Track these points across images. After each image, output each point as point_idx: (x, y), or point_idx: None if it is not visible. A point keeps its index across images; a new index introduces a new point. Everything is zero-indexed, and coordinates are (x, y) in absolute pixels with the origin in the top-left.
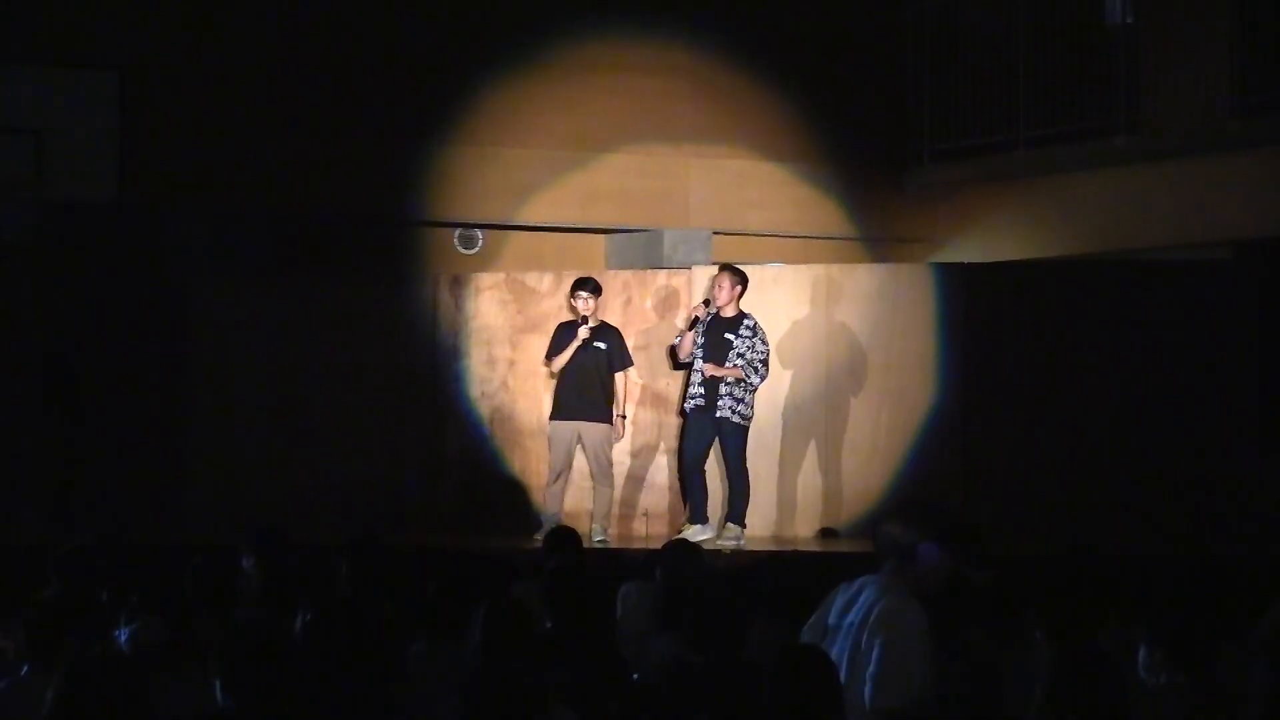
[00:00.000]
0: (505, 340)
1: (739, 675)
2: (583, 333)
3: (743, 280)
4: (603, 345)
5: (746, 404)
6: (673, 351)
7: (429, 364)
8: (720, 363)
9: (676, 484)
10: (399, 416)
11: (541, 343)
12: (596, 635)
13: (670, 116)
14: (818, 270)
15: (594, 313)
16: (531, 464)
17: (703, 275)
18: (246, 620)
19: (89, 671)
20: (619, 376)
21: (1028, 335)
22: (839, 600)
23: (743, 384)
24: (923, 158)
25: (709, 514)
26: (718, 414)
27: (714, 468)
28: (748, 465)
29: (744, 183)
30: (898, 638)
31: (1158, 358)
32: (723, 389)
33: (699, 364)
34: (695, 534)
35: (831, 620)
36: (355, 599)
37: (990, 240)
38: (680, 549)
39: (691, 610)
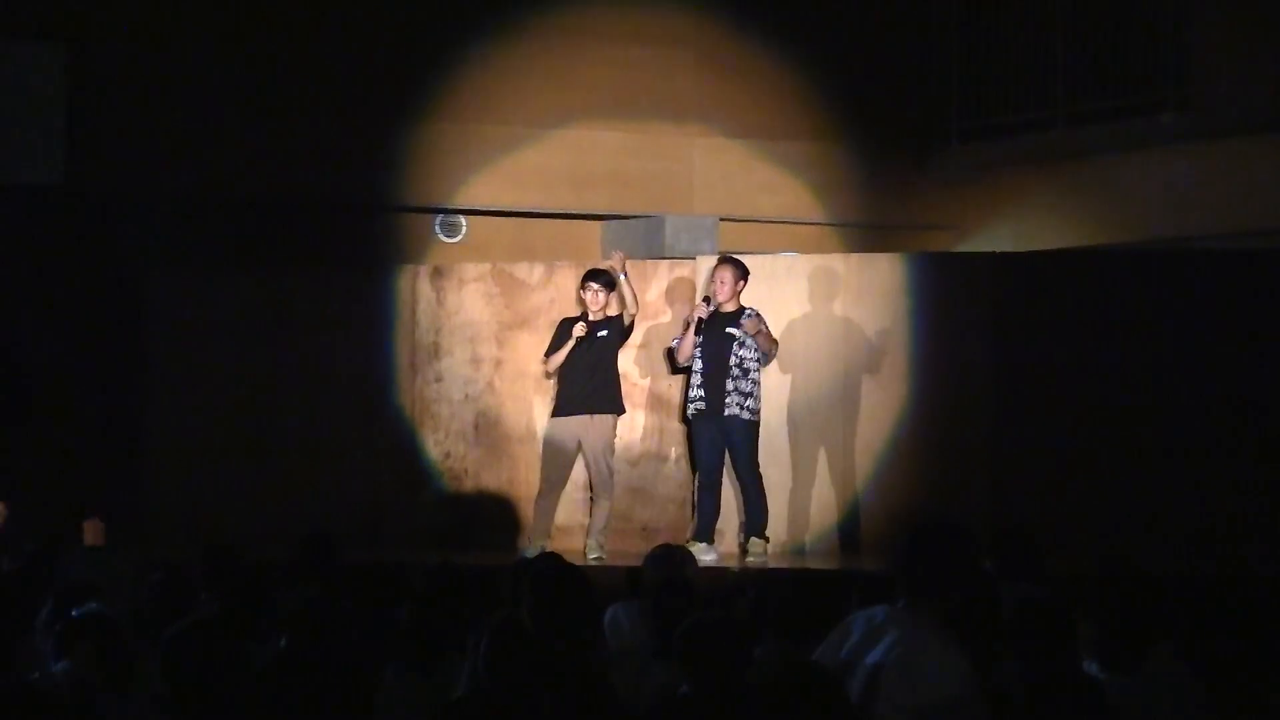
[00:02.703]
0: (491, 338)
1: (739, 705)
2: (578, 330)
3: (745, 274)
4: (605, 333)
5: (755, 398)
6: (670, 354)
7: (407, 364)
8: (723, 361)
9: (680, 496)
10: (374, 421)
11: (530, 340)
12: (585, 660)
13: (673, 91)
14: (834, 260)
15: (604, 309)
16: (520, 473)
17: (708, 266)
18: (192, 626)
19: (13, 708)
20: (625, 314)
21: (1065, 332)
22: (856, 632)
23: (749, 377)
24: (950, 137)
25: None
26: (726, 412)
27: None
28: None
29: (753, 165)
30: (931, 688)
31: (1209, 357)
32: (729, 385)
33: (698, 365)
34: (698, 553)
35: (845, 654)
36: (316, 614)
37: (1024, 227)
38: (666, 556)
39: (685, 633)
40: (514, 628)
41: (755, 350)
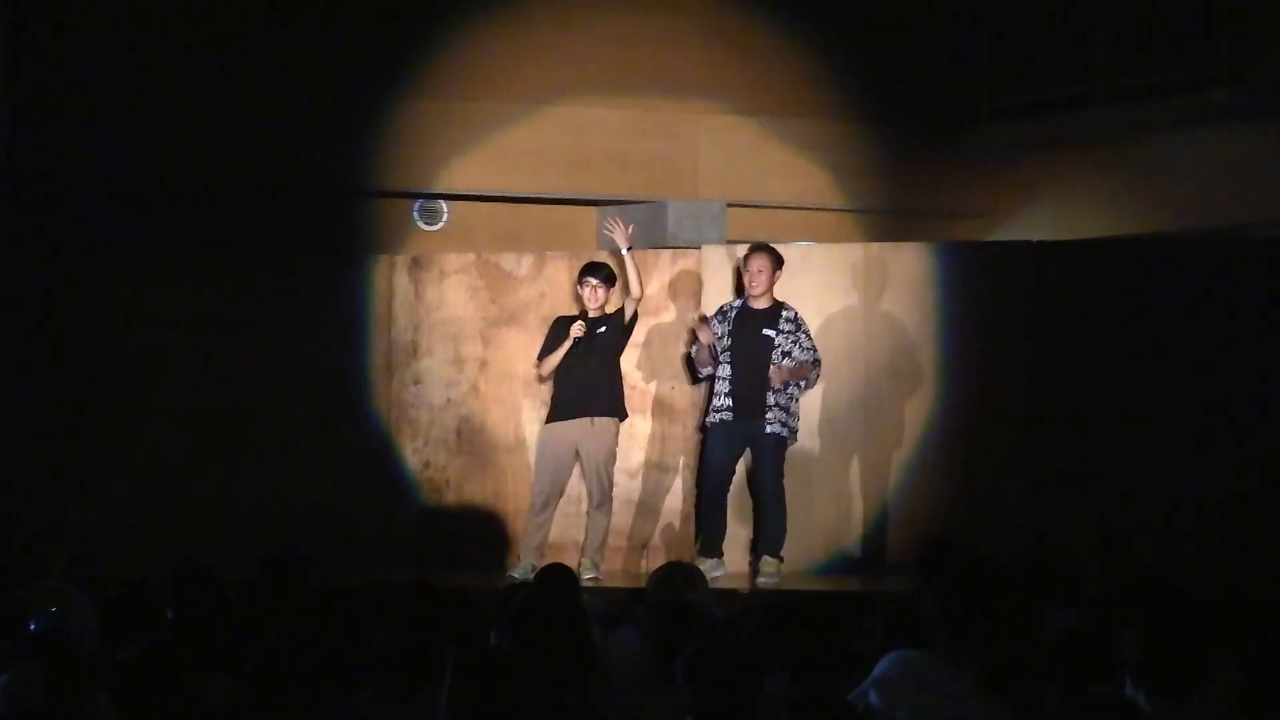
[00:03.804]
0: (475, 335)
1: None
2: (575, 329)
3: (781, 263)
4: (605, 329)
5: (795, 415)
6: (690, 361)
7: (383, 364)
8: (760, 368)
9: (683, 510)
10: (346, 428)
11: (519, 338)
12: (575, 693)
13: (676, 65)
14: (855, 250)
15: (603, 306)
16: (507, 485)
17: (714, 257)
18: (150, 650)
19: None
20: (629, 303)
21: (1107, 328)
22: (888, 674)
23: (788, 390)
24: (982, 115)
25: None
26: (767, 428)
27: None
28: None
29: (764, 145)
30: None
31: (1265, 354)
32: (770, 399)
33: (725, 370)
34: (706, 570)
35: (876, 702)
36: (284, 639)
37: (1063, 214)
38: (673, 575)
39: (689, 659)
40: (485, 659)
41: (798, 357)
